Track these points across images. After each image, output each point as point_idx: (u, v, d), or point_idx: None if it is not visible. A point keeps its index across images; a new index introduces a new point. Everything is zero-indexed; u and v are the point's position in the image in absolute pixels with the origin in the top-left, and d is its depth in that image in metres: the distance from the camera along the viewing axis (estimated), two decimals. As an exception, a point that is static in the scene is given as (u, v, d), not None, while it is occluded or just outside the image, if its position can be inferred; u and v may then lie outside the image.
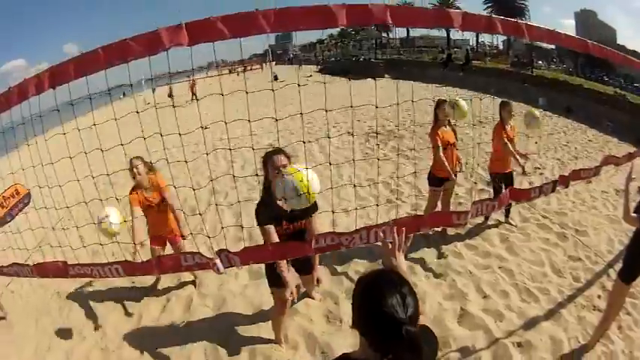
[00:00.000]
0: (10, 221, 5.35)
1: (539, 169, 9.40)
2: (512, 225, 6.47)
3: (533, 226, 6.51)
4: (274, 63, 51.24)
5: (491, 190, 6.74)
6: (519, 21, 2.92)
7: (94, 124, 2.93)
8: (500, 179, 6.22)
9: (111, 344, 4.59)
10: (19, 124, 3.55)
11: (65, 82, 2.61)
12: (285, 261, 3.42)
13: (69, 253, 3.94)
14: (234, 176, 3.87)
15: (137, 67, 2.43)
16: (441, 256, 5.62)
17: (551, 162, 10.00)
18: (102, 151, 3.03)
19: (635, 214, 3.51)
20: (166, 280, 5.53)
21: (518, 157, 6.11)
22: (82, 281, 5.63)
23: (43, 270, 3.51)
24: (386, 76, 27.23)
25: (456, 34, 36.81)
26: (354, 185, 6.16)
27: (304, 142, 2.98)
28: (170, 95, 27.97)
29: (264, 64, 52.94)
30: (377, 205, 3.44)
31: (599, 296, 4.74)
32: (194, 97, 25.33)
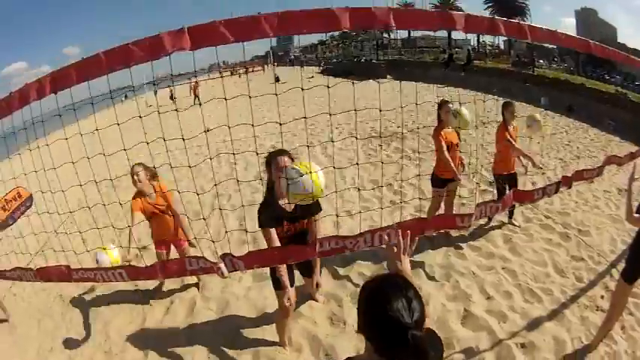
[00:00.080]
0: (12, 224, 5.36)
1: (541, 168, 9.37)
2: (515, 225, 6.45)
3: (536, 226, 6.50)
4: (276, 64, 51.28)
5: (494, 191, 6.72)
6: (522, 22, 2.91)
7: (97, 129, 2.93)
8: (504, 180, 6.20)
9: (114, 347, 4.59)
10: (21, 128, 3.56)
11: (67, 87, 2.60)
12: (284, 265, 3.42)
13: (72, 256, 3.95)
14: (238, 181, 3.86)
15: (138, 69, 2.43)
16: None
17: (553, 162, 9.99)
18: (105, 155, 3.03)
19: (637, 214, 3.50)
20: (170, 283, 5.52)
21: (522, 156, 6.10)
22: (84, 284, 5.63)
23: (46, 274, 3.50)
24: (388, 76, 27.21)
25: (457, 34, 36.75)
26: (358, 189, 6.15)
27: (308, 146, 2.97)
28: (172, 97, 28.00)
29: (265, 66, 53.07)
30: (381, 208, 3.42)
31: (602, 296, 4.74)
32: (197, 100, 25.27)
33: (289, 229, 3.53)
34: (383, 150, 11.06)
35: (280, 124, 2.63)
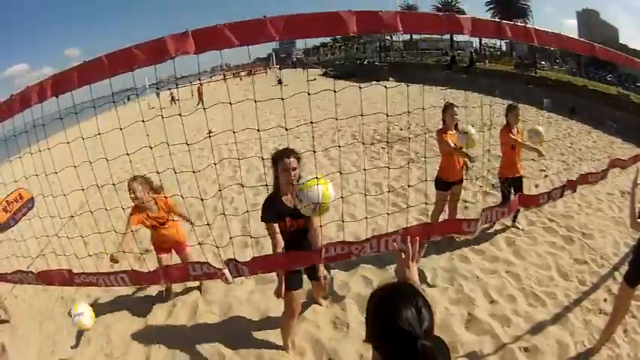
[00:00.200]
0: (13, 225, 5.35)
1: (543, 171, 9.36)
2: (518, 229, 6.43)
3: (539, 229, 6.47)
4: (278, 67, 51.45)
5: (498, 194, 6.69)
6: (528, 26, 2.90)
7: (99, 134, 2.91)
8: (510, 184, 6.19)
9: (116, 350, 4.57)
10: (22, 132, 3.54)
11: (68, 91, 2.59)
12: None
13: (73, 259, 3.93)
14: (242, 185, 3.86)
15: (141, 71, 2.40)
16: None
17: (556, 164, 9.95)
18: (107, 160, 3.01)
19: None
20: (172, 287, 5.49)
21: (527, 149, 6.07)
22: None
23: (48, 278, 3.49)
24: (390, 79, 27.19)
25: (459, 36, 36.76)
26: (365, 194, 6.12)
27: (314, 151, 2.96)
28: (173, 100, 27.97)
29: (268, 69, 53.22)
30: (388, 213, 3.39)
31: (605, 300, 4.71)
32: (201, 103, 25.18)
33: (292, 224, 3.55)
34: (386, 152, 11.03)
35: (286, 129, 2.61)
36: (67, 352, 4.65)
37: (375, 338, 1.47)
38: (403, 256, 2.01)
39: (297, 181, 3.38)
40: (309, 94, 2.41)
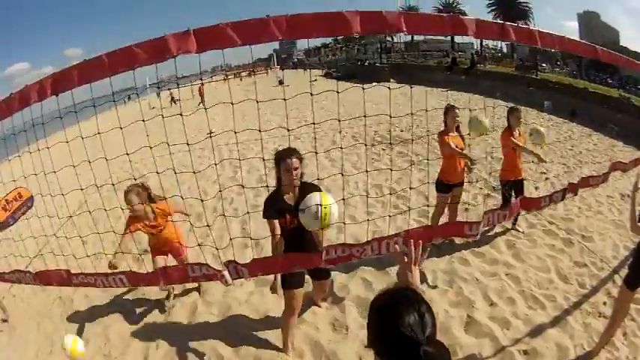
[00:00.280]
0: (12, 224, 5.32)
1: (544, 173, 9.34)
2: (518, 231, 6.41)
3: (539, 232, 6.45)
4: (279, 67, 51.52)
5: (499, 196, 6.67)
6: (532, 28, 2.88)
7: (99, 133, 2.89)
8: (511, 187, 6.18)
9: (114, 350, 4.56)
10: (21, 130, 3.52)
11: (68, 89, 2.57)
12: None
13: (71, 259, 3.91)
14: (243, 186, 3.86)
15: (142, 70, 2.38)
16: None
17: (556, 167, 9.94)
18: (106, 160, 2.99)
19: None
20: (172, 293, 5.46)
21: (528, 153, 6.06)
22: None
23: (46, 278, 3.47)
24: (391, 80, 27.17)
25: (459, 38, 36.75)
26: (367, 196, 6.11)
27: (316, 152, 2.94)
28: (173, 100, 27.94)
29: (269, 69, 53.27)
30: (389, 216, 3.38)
31: (604, 303, 4.70)
32: (202, 102, 25.13)
33: (291, 221, 3.55)
34: (386, 154, 11.02)
35: (288, 130, 2.60)
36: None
37: (377, 344, 1.45)
38: (406, 260, 1.99)
39: (300, 180, 3.40)
40: (311, 94, 2.39)
